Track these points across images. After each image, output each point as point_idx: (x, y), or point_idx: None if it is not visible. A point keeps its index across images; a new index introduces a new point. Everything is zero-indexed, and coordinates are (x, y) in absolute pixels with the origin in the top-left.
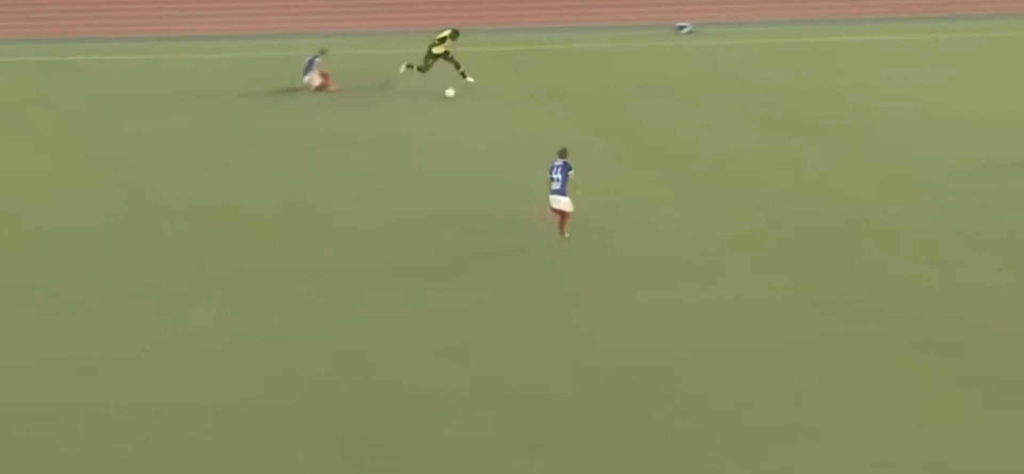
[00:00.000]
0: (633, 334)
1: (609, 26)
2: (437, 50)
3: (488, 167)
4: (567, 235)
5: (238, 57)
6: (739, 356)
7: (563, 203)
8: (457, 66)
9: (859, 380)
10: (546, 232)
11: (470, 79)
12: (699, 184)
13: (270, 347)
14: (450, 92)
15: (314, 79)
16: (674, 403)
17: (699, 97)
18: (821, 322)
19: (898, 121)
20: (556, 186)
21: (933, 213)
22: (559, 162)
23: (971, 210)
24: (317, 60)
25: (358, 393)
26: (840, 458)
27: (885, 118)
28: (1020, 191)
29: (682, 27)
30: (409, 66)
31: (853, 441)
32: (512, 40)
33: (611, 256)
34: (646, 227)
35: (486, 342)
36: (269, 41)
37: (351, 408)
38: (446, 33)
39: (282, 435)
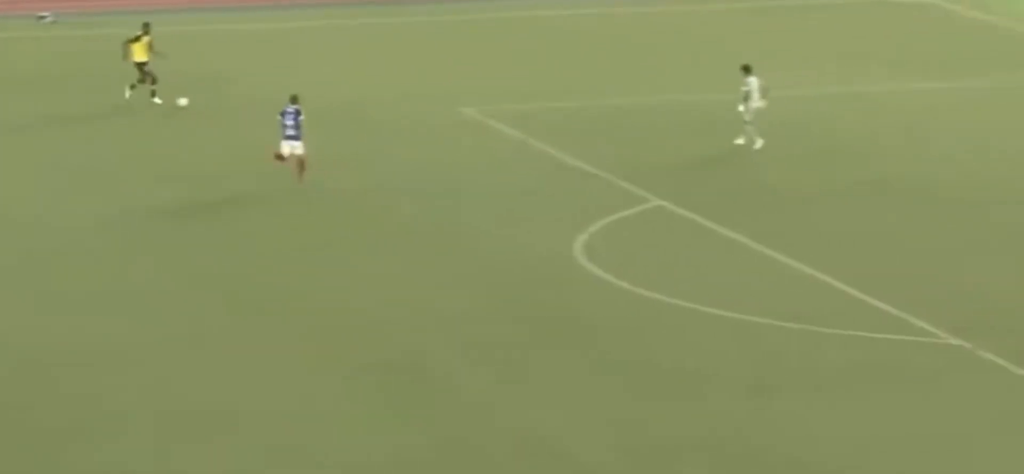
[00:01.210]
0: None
1: None
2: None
3: None
4: (302, 184)
5: None
6: (105, 347)
7: (297, 147)
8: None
9: (248, 370)
10: None
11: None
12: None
13: None
14: (183, 101)
15: None
16: (42, 394)
17: (67, 87)
18: (201, 311)
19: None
20: (289, 132)
21: (309, 196)
22: (292, 108)
23: (342, 193)
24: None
25: None
26: (230, 446)
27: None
28: (384, 174)
29: (43, 17)
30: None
31: (242, 429)
32: None
33: None
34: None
35: None
36: None
37: None
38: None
39: None
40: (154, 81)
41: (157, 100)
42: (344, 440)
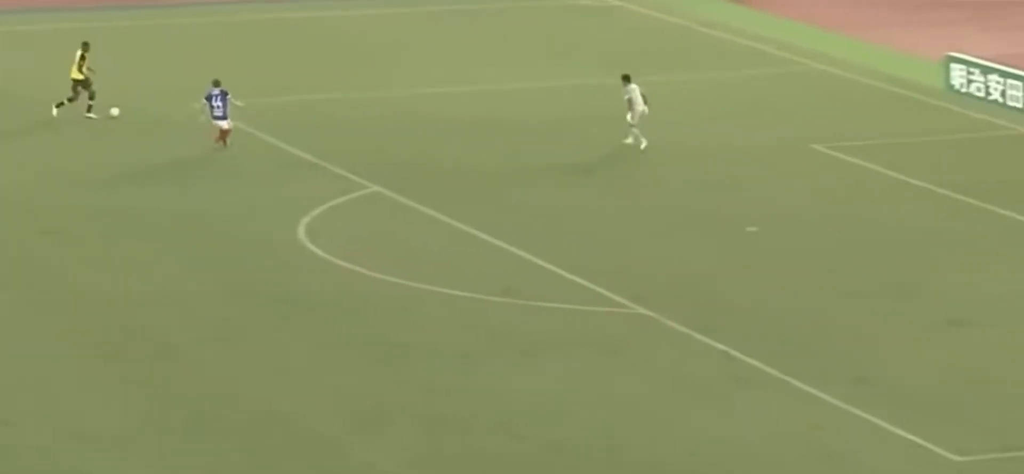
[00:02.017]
0: None
1: None
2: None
3: None
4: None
5: None
6: None
7: (226, 124)
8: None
9: None
10: None
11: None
12: None
13: None
14: (115, 111)
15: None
16: None
17: None
18: None
19: None
20: (218, 113)
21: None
22: (216, 91)
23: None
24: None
25: None
26: None
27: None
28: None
29: None
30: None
31: None
32: None
33: None
34: None
35: None
36: None
37: None
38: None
39: None
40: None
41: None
42: (77, 409)
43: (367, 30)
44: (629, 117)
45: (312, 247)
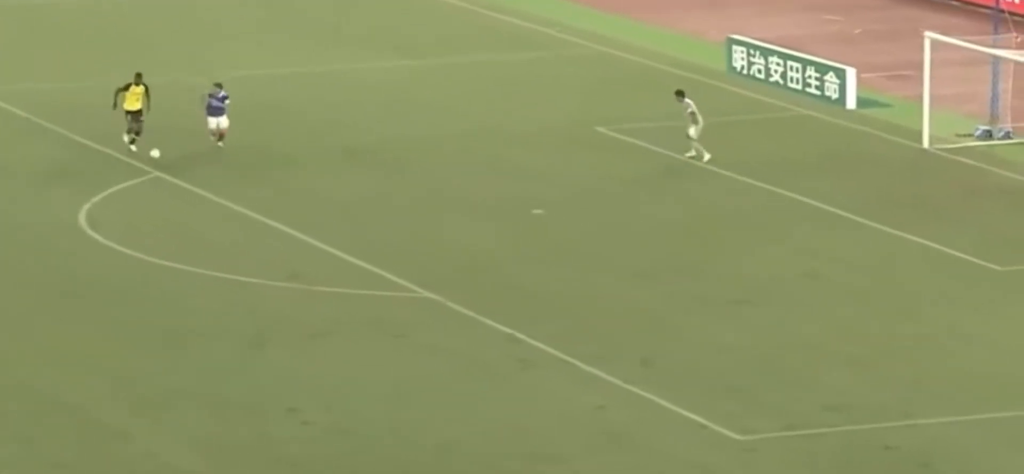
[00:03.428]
0: None
1: None
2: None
3: None
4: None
5: None
6: None
7: (224, 123)
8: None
9: None
10: None
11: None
12: None
13: None
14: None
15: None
16: None
17: None
18: None
19: None
20: (216, 108)
21: None
22: (221, 93)
23: None
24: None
25: None
26: None
27: None
28: None
29: None
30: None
31: None
32: None
33: None
34: None
35: None
36: None
37: None
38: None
39: None
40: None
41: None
42: None
43: (148, 16)
44: (692, 131)
45: (93, 234)
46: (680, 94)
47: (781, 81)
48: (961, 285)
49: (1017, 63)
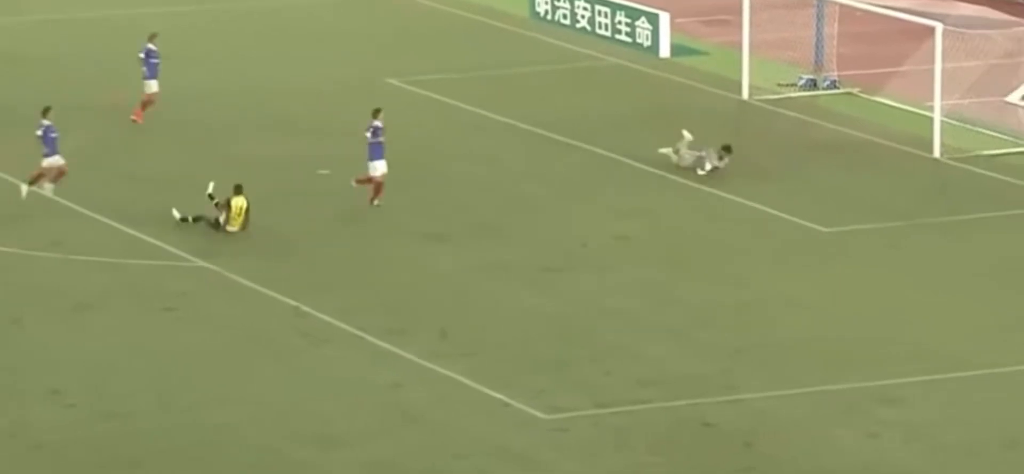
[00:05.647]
0: None
1: None
2: None
3: None
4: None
5: None
6: None
7: (381, 166)
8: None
9: None
10: None
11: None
12: None
13: None
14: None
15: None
16: None
17: None
18: None
19: None
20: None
21: None
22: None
23: None
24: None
25: None
26: None
27: None
28: None
29: None
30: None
31: None
32: None
33: None
34: None
35: None
36: None
37: None
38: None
39: None
40: None
41: None
42: None
43: None
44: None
45: None
46: (727, 149)
47: (589, 27)
48: (785, 248)
49: (843, 5)
